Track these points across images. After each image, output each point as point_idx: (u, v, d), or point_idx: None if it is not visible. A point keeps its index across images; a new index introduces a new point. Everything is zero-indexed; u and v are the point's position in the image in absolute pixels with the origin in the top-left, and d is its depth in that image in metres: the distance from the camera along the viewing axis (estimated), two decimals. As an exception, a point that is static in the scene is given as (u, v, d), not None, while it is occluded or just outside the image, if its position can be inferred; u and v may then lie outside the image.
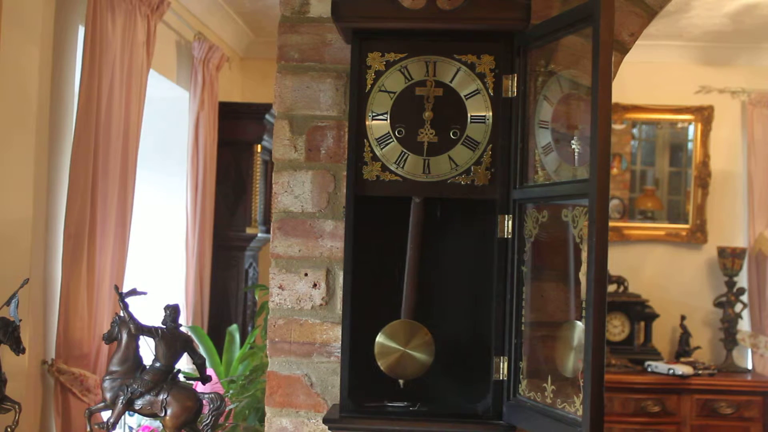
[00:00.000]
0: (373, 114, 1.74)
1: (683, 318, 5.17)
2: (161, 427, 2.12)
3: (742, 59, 5.30)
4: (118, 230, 3.35)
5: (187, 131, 4.39)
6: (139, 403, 1.94)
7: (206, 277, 4.54)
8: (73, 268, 3.04)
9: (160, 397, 1.93)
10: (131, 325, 1.94)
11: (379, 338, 1.72)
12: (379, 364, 1.71)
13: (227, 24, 5.01)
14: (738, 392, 4.82)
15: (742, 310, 5.13)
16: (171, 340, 1.96)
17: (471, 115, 1.74)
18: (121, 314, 1.97)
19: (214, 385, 2.71)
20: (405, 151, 1.74)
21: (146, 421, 2.74)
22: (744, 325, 5.19)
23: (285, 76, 1.93)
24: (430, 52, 1.75)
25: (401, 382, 1.74)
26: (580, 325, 1.67)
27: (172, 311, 1.98)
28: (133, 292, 1.96)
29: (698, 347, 5.19)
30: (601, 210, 1.43)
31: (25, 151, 2.90)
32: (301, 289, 1.91)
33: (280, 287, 1.92)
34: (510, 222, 1.73)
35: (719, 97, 5.35)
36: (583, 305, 1.48)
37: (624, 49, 1.96)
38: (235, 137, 4.79)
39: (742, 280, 5.20)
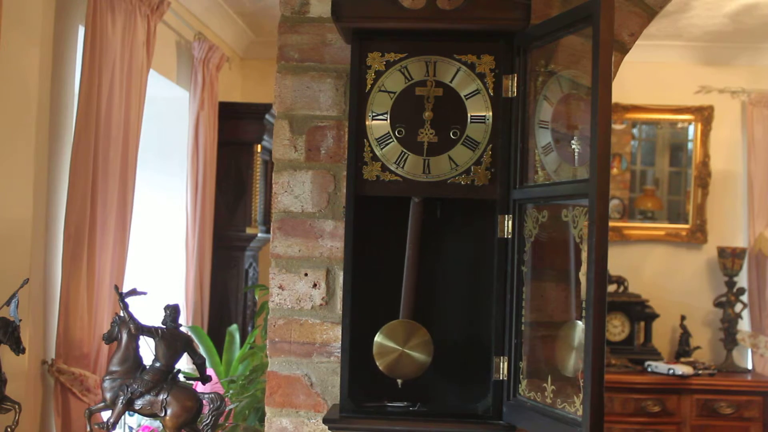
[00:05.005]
0: (373, 114, 1.74)
1: (683, 318, 5.17)
2: (161, 427, 2.12)
3: (742, 59, 5.30)
4: (118, 230, 3.35)
5: (187, 131, 4.39)
6: (139, 403, 1.94)
7: (206, 277, 4.54)
8: (73, 268, 3.04)
9: (160, 397, 1.93)
10: (131, 325, 1.94)
11: (378, 338, 1.72)
12: (377, 363, 1.71)
13: (227, 24, 5.01)
14: (738, 392, 4.81)
15: (742, 310, 5.13)
16: (171, 340, 1.96)
17: (471, 115, 1.74)
18: (121, 314, 1.97)
19: (214, 385, 2.71)
20: (405, 151, 1.74)
21: (146, 421, 2.74)
22: (744, 325, 5.19)
23: (285, 76, 1.93)
24: (430, 52, 1.75)
25: (399, 382, 1.73)
26: (580, 324, 1.67)
27: (172, 311, 1.98)
28: (133, 292, 1.96)
29: (698, 347, 5.18)
30: (601, 210, 1.43)
31: (25, 151, 2.90)
32: (301, 289, 1.91)
33: (280, 287, 1.92)
34: (510, 222, 1.73)
35: (719, 97, 5.34)
36: (583, 305, 1.48)
37: (624, 49, 1.96)
38: (235, 137, 4.79)
39: (742, 280, 5.20)
